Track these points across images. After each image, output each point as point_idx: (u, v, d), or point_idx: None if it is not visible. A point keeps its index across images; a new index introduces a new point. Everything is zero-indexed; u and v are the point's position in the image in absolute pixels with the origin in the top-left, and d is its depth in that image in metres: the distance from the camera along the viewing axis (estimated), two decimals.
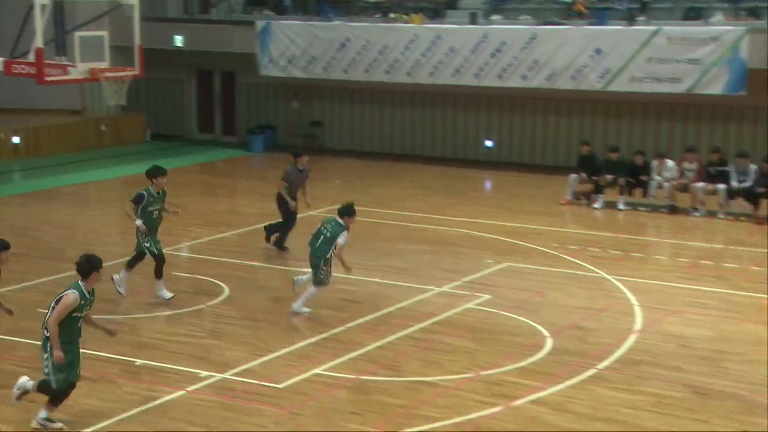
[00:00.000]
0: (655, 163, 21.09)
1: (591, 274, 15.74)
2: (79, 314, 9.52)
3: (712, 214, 19.95)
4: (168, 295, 13.84)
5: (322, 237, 13.32)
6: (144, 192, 13.71)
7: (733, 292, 14.93)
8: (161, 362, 11.52)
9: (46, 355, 9.48)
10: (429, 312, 13.71)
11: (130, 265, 13.98)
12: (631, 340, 12.65)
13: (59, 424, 9.72)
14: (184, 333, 12.41)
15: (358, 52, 26.10)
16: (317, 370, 11.30)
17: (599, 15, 24.62)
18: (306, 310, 13.53)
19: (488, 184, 24.39)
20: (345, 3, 28.12)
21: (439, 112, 26.98)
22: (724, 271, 16.16)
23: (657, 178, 20.93)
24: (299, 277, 13.89)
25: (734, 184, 20.15)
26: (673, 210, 20.43)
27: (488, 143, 26.40)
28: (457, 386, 11.13)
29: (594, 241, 17.99)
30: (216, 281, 15.08)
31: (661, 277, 15.73)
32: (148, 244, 13.73)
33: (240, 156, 27.95)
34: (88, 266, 9.53)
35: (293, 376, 11.13)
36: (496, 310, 13.88)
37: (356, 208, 13.39)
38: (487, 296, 14.37)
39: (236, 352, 12.09)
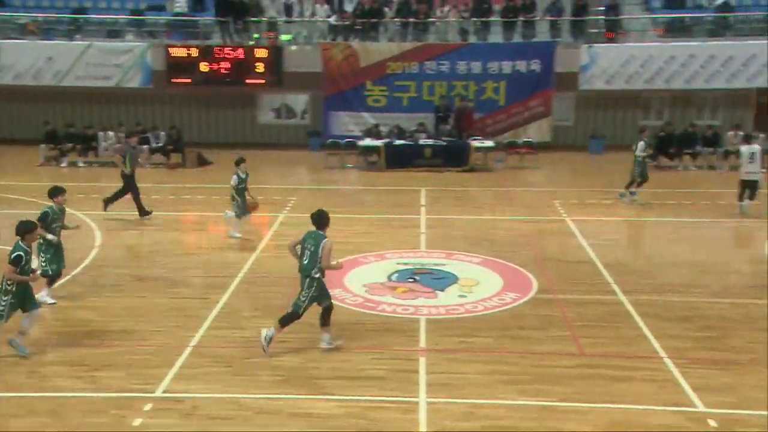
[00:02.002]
0: (101, 134, 21.19)
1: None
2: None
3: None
4: (50, 300, 10.14)
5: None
6: (48, 210, 10.05)
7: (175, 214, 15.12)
8: None
9: (307, 291, 8.46)
10: None
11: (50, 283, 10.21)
12: (92, 254, 12.41)
13: (340, 340, 8.74)
14: None
15: None
16: None
17: (47, 33, 23.35)
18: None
19: None
20: None
21: None
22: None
23: (103, 144, 21.11)
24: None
25: (153, 145, 21.20)
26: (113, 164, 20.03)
27: None
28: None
29: (72, 188, 17.16)
30: None
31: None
32: (43, 262, 9.99)
33: None
34: (326, 218, 8.50)
35: None
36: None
37: None
38: None
39: None
